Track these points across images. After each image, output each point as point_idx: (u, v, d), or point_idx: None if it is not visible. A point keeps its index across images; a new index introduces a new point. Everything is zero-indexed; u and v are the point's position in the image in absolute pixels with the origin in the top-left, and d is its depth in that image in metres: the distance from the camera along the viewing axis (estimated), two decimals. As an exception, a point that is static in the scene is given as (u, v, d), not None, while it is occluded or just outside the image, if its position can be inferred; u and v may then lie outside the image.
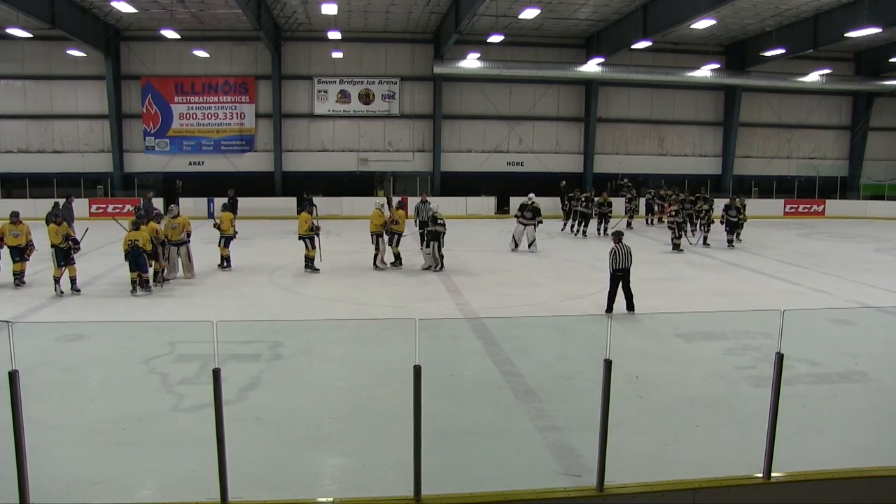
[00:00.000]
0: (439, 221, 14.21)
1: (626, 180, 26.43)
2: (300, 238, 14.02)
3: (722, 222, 18.80)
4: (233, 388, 6.78)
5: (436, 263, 14.23)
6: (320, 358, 8.54)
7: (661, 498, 4.95)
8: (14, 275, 12.23)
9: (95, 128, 26.34)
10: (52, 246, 11.87)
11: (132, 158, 26.65)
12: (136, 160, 26.69)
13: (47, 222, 14.84)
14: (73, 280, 11.94)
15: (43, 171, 25.80)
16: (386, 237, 14.56)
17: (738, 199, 19.34)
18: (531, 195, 17.33)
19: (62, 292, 11.74)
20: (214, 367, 4.48)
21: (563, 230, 21.63)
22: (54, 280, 11.77)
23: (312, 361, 8.49)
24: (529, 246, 16.85)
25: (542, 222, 17.22)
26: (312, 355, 8.69)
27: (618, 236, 10.91)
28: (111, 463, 5.61)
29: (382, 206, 14.84)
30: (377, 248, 14.46)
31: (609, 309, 10.34)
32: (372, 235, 14.46)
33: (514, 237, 17.10)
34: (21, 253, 12.19)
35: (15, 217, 12.31)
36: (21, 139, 26.25)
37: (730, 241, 18.46)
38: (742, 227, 19.33)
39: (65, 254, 11.85)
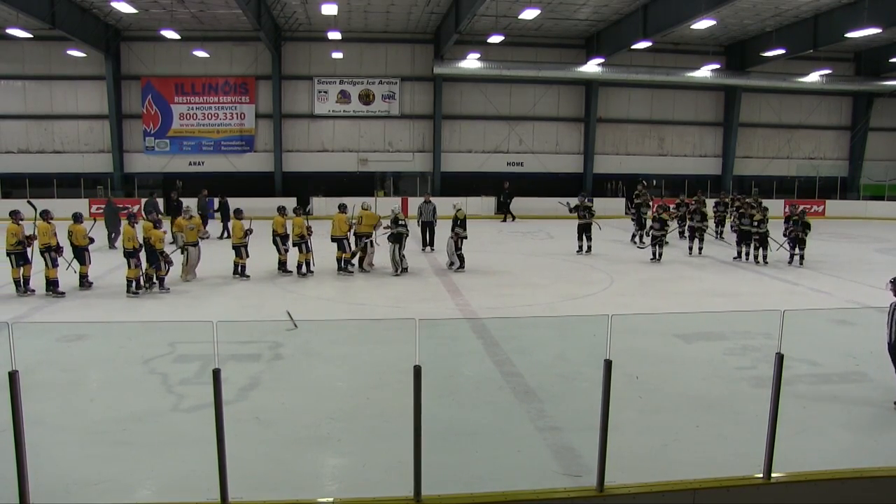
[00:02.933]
0: (400, 223, 13.71)
1: (643, 184, 23.85)
2: (333, 240, 13.93)
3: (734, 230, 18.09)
4: (233, 388, 6.78)
5: (396, 267, 13.82)
6: (320, 358, 8.54)
7: (662, 498, 4.94)
8: (82, 276, 12.29)
9: (95, 128, 26.36)
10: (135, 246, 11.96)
11: (132, 159, 26.66)
12: (136, 160, 26.70)
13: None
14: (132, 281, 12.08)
15: (43, 171, 25.79)
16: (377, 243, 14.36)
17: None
18: (456, 202, 14.96)
19: (136, 293, 11.84)
20: (214, 367, 4.48)
21: (635, 242, 18.54)
22: (128, 281, 11.89)
23: (312, 362, 8.49)
24: (451, 266, 14.55)
25: (464, 237, 14.64)
26: (312, 356, 8.69)
27: None
28: (111, 463, 5.61)
29: (369, 207, 14.77)
30: (363, 251, 14.31)
31: None
32: (358, 238, 14.24)
33: (448, 253, 14.78)
34: (80, 254, 12.25)
35: (79, 218, 12.42)
36: (21, 139, 26.26)
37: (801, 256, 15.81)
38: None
39: (134, 254, 11.95)
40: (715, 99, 29.25)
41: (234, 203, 21.28)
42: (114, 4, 19.06)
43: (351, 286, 13.04)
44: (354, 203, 14.92)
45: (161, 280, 12.23)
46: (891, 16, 18.83)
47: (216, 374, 4.48)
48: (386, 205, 16.13)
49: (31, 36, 22.41)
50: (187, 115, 26.58)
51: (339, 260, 13.99)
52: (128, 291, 11.84)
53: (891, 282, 7.06)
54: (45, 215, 12.00)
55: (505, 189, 25.69)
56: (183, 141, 26.72)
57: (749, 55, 26.62)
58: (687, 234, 18.10)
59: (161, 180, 26.73)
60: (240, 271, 13.41)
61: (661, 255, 15.96)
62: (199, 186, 22.04)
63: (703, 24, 20.54)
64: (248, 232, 13.41)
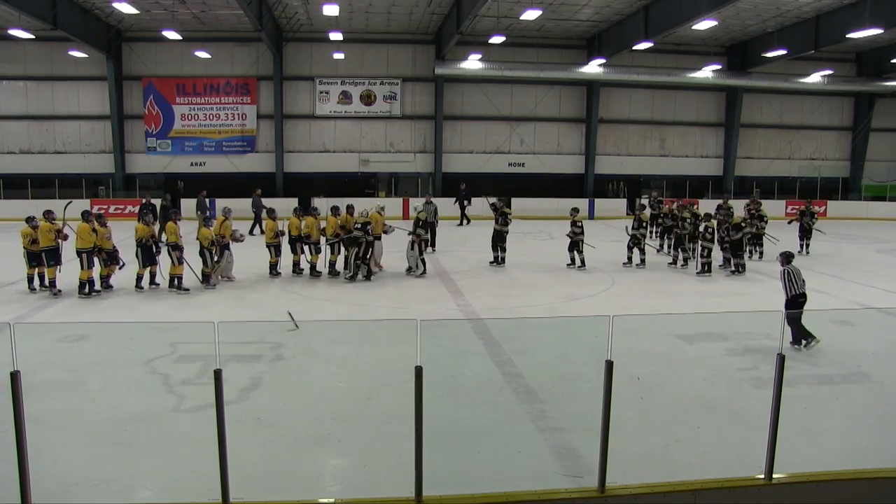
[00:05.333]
0: (356, 226, 13.15)
1: (654, 194, 21.41)
2: (328, 242, 13.86)
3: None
4: (234, 388, 6.78)
5: (353, 273, 13.28)
6: (321, 359, 8.54)
7: (663, 499, 4.95)
8: (102, 278, 12.18)
9: (97, 128, 26.40)
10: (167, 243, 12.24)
11: (134, 159, 26.70)
12: (138, 161, 26.73)
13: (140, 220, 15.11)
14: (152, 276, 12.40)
15: (44, 171, 25.83)
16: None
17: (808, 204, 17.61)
18: (417, 205, 14.49)
19: (186, 289, 12.12)
20: (216, 367, 4.49)
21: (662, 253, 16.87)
22: (171, 278, 12.13)
23: (314, 362, 8.49)
24: (409, 271, 13.97)
25: (425, 240, 14.19)
26: (313, 356, 8.69)
27: (787, 258, 9.18)
28: (112, 463, 5.61)
29: (382, 208, 14.70)
30: (371, 253, 14.26)
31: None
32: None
33: (407, 258, 14.17)
34: (111, 255, 12.20)
35: (102, 219, 12.37)
36: (23, 140, 26.30)
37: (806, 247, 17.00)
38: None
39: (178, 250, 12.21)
40: (716, 99, 29.24)
41: (230, 203, 21.38)
42: (115, 5, 19.08)
43: (352, 287, 13.03)
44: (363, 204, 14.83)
45: (206, 277, 12.53)
46: (892, 16, 18.81)
47: (217, 374, 4.48)
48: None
49: (32, 37, 22.41)
50: (189, 115, 26.61)
51: (331, 263, 13.94)
52: (170, 287, 12.07)
53: (781, 255, 9.18)
54: (86, 216, 12.10)
55: (462, 190, 24.48)
56: (184, 141, 26.75)
57: (750, 56, 26.62)
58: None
59: (163, 181, 26.81)
60: (270, 270, 13.62)
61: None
62: (201, 187, 22.08)
63: (704, 24, 20.54)
64: (279, 233, 13.56)
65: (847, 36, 20.64)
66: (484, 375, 7.91)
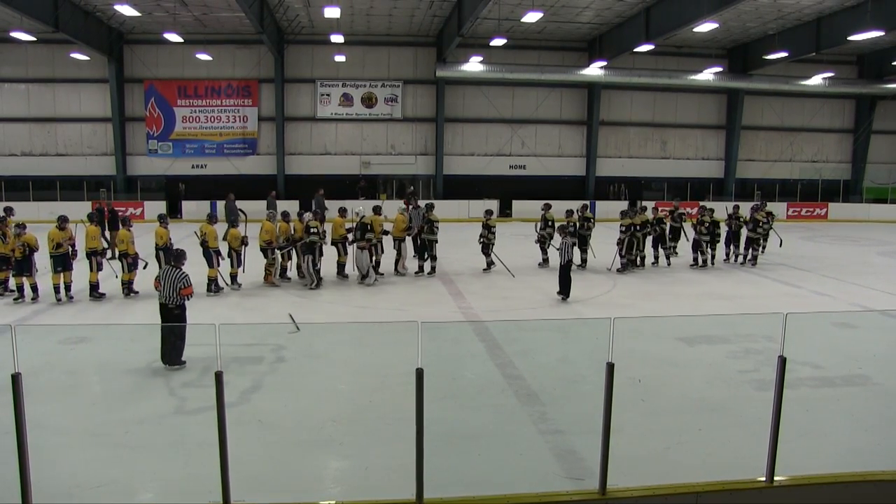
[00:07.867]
0: (312, 231, 12.61)
1: (676, 205, 17.67)
2: (334, 243, 13.73)
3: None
4: (235, 391, 6.79)
5: (311, 280, 12.81)
6: (323, 361, 8.54)
7: (664, 501, 4.94)
8: (125, 283, 12.03)
9: (98, 131, 26.45)
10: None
11: (135, 161, 26.73)
12: (139, 163, 26.77)
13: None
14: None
15: (46, 174, 25.89)
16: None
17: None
18: (358, 209, 13.78)
19: (216, 292, 12.31)
20: (217, 369, 4.49)
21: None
22: (209, 280, 12.28)
23: (315, 364, 8.49)
24: (363, 280, 13.32)
25: (374, 245, 13.53)
26: (315, 358, 8.69)
27: (564, 230, 12.37)
28: (113, 466, 5.61)
29: (404, 210, 14.61)
30: (399, 254, 14.27)
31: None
32: (394, 240, 14.26)
33: (357, 266, 13.47)
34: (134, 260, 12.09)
35: (128, 223, 12.26)
36: (24, 142, 26.34)
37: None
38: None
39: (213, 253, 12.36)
40: (717, 102, 29.25)
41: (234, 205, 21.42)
42: (117, 7, 19.11)
43: (353, 289, 13.04)
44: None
45: (234, 277, 12.65)
46: (893, 18, 18.81)
47: (218, 376, 4.48)
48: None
49: (34, 39, 22.44)
50: (190, 117, 26.65)
51: (340, 265, 13.92)
52: (208, 291, 12.18)
53: (559, 227, 12.85)
54: (93, 219, 12.09)
55: (408, 193, 23.32)
56: (185, 143, 26.78)
57: (751, 58, 26.63)
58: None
59: (164, 183, 26.84)
60: (281, 273, 13.64)
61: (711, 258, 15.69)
62: (203, 190, 22.08)
63: (705, 26, 20.56)
64: (289, 237, 13.50)
65: (848, 38, 20.64)
66: (485, 378, 7.91)
